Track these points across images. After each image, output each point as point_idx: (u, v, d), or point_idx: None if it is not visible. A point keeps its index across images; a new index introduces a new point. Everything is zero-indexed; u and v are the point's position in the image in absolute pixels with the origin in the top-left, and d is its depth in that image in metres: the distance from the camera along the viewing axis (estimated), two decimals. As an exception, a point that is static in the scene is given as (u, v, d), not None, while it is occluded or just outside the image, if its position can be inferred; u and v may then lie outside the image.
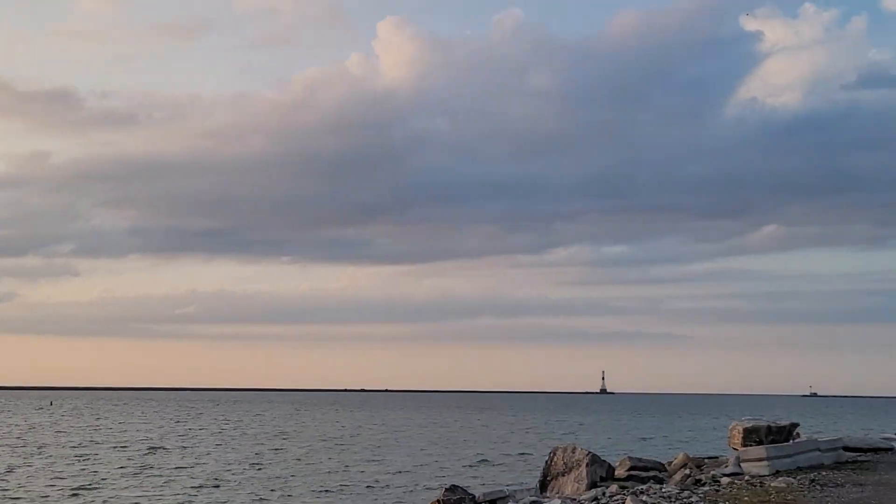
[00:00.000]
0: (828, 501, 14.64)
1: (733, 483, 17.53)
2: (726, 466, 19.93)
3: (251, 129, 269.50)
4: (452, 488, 15.44)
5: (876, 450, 25.66)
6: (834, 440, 23.64)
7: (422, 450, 48.87)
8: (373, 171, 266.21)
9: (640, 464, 20.72)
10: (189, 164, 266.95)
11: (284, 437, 61.50)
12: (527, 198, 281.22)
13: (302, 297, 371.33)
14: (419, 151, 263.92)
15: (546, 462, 19.13)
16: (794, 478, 17.95)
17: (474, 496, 14.92)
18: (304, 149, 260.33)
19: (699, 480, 18.15)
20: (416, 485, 31.37)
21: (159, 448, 48.21)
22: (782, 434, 21.93)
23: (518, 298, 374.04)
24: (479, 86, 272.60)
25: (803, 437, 25.38)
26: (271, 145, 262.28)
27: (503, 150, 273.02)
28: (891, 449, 26.08)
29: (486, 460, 42.06)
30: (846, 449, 24.05)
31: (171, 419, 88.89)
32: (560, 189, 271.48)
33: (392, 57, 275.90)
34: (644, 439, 61.37)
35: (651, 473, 19.86)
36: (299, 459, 41.92)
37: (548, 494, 17.84)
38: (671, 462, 23.15)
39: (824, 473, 18.98)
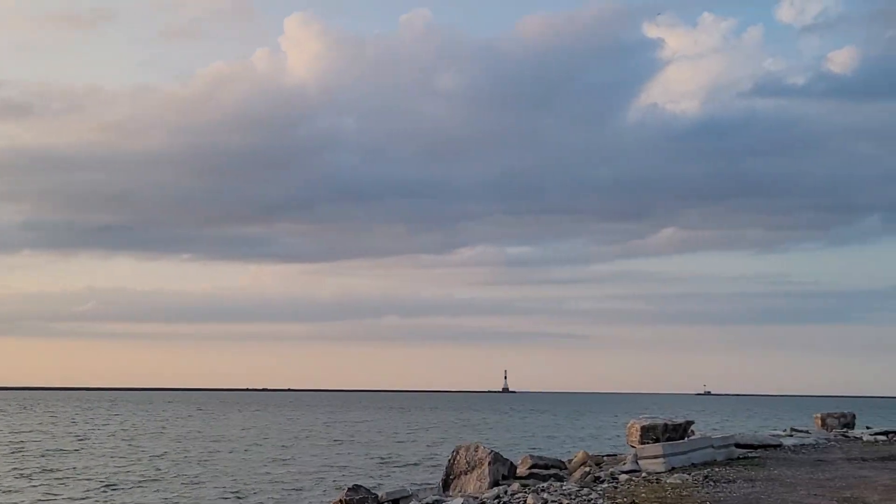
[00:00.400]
0: (720, 497, 15.05)
1: (631, 480, 17.90)
2: (624, 464, 20.37)
3: (152, 122, 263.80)
4: (355, 488, 15.38)
5: (766, 446, 26.60)
6: (726, 437, 24.40)
7: (328, 449, 48.58)
8: (278, 169, 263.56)
9: (542, 462, 21.00)
10: (87, 158, 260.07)
11: (185, 437, 60.36)
12: (433, 198, 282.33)
13: (203, 295, 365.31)
14: (326, 150, 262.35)
15: (449, 461, 19.23)
16: (689, 474, 18.41)
17: (377, 496, 14.89)
18: (207, 145, 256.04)
19: (598, 478, 18.47)
20: (323, 485, 31.16)
21: (56, 450, 46.82)
22: (678, 432, 22.49)
23: (423, 298, 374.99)
24: (388, 85, 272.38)
25: (698, 435, 26.13)
26: (173, 140, 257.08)
27: (411, 150, 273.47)
28: (779, 445, 27.07)
29: (392, 460, 42.01)
30: (738, 446, 24.88)
31: (68, 419, 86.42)
32: (466, 190, 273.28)
33: (299, 54, 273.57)
34: (546, 438, 62.09)
35: (552, 471, 20.14)
36: (203, 462, 41.20)
37: (450, 493, 17.93)
38: (571, 460, 23.56)
39: (717, 470, 19.54)
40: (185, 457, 43.28)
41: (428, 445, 51.96)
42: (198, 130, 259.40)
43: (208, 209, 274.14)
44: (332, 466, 38.59)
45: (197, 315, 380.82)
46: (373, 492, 15.38)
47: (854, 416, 37.49)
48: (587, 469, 20.01)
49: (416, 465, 39.29)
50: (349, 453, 45.82)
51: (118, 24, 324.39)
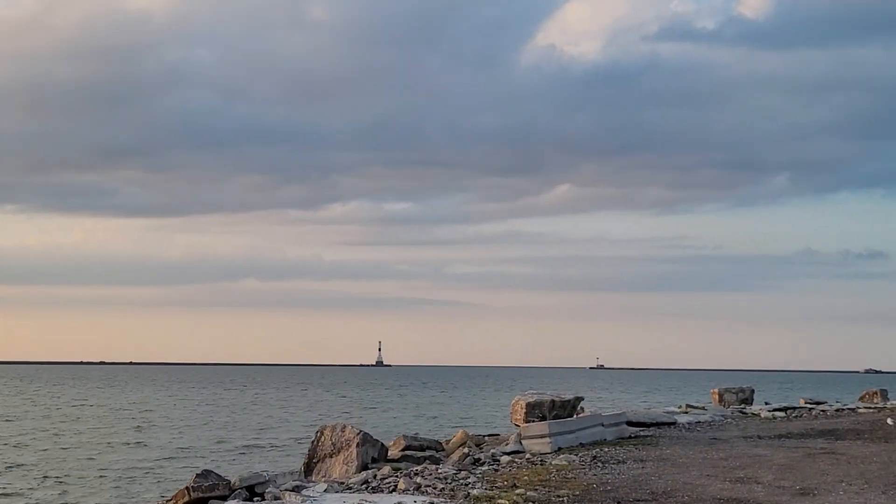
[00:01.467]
0: (607, 479, 15.46)
1: (513, 462, 18.18)
2: (507, 444, 20.65)
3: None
4: (205, 474, 15.20)
5: (659, 424, 27.42)
6: (617, 415, 25.05)
7: (182, 433, 47.92)
8: (119, 108, 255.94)
9: (416, 443, 21.16)
10: None
11: (12, 417, 58.70)
12: (301, 146, 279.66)
13: (30, 252, 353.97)
14: (177, 87, 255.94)
15: (312, 443, 19.20)
16: (576, 455, 18.82)
17: (229, 482, 14.76)
18: (33, 77, 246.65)
19: (478, 460, 18.70)
20: (178, 471, 30.85)
21: None
22: (566, 409, 22.99)
23: (288, 259, 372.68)
24: (250, 14, 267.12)
25: (587, 413, 26.79)
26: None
27: (275, 90, 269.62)
28: (674, 423, 27.96)
29: (253, 444, 41.81)
30: (630, 424, 25.56)
31: None
32: (338, 137, 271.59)
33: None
34: (422, 417, 62.79)
35: (427, 453, 20.31)
36: (46, 449, 40.17)
37: (313, 479, 17.93)
38: (450, 441, 23.78)
39: (606, 450, 20.02)
40: (17, 441, 42.17)
41: (292, 428, 51.93)
42: (23, 60, 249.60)
43: (36, 153, 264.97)
44: (185, 452, 38.20)
45: (22, 275, 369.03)
46: (225, 478, 15.19)
47: (752, 392, 38.98)
48: (466, 450, 20.25)
49: (280, 448, 39.26)
50: (206, 437, 45.40)
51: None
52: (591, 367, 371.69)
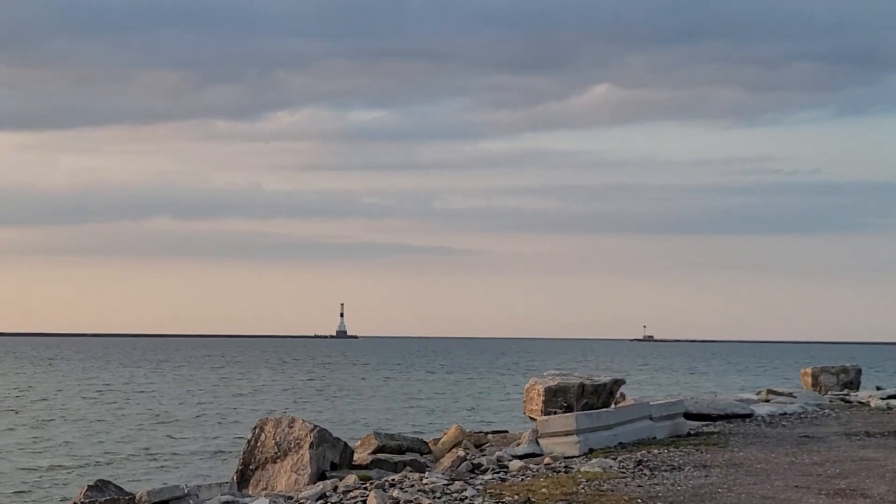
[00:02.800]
0: (658, 491, 15.49)
1: (527, 468, 18.19)
2: (518, 444, 20.67)
3: None
4: (100, 486, 15.30)
5: (729, 416, 27.52)
6: (671, 404, 25.07)
7: (84, 431, 47.94)
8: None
9: (393, 443, 21.23)
10: None
11: None
12: (232, 31, 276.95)
13: None
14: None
15: (248, 443, 19.26)
16: (615, 459, 18.85)
17: (133, 496, 14.81)
18: None
19: (478, 465, 18.74)
20: (76, 482, 31.03)
21: None
22: (601, 396, 23.03)
23: (214, 190, 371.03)
24: None
25: (629, 401, 26.82)
26: None
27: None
28: (750, 415, 28.07)
29: (176, 445, 41.91)
30: (688, 416, 25.63)
31: None
32: (282, 18, 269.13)
33: None
34: (401, 408, 62.81)
35: (408, 457, 20.38)
36: None
37: (250, 492, 17.97)
38: (439, 440, 23.89)
39: (656, 452, 20.06)
40: None
41: (222, 424, 51.98)
42: None
43: None
44: (87, 456, 38.27)
45: None
46: (128, 492, 15.27)
47: (859, 372, 39.11)
48: (462, 453, 20.26)
49: (206, 453, 39.35)
50: (113, 437, 45.68)
51: None
52: (635, 339, 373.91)
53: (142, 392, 77.89)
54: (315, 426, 19.28)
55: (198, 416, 55.50)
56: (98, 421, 52.85)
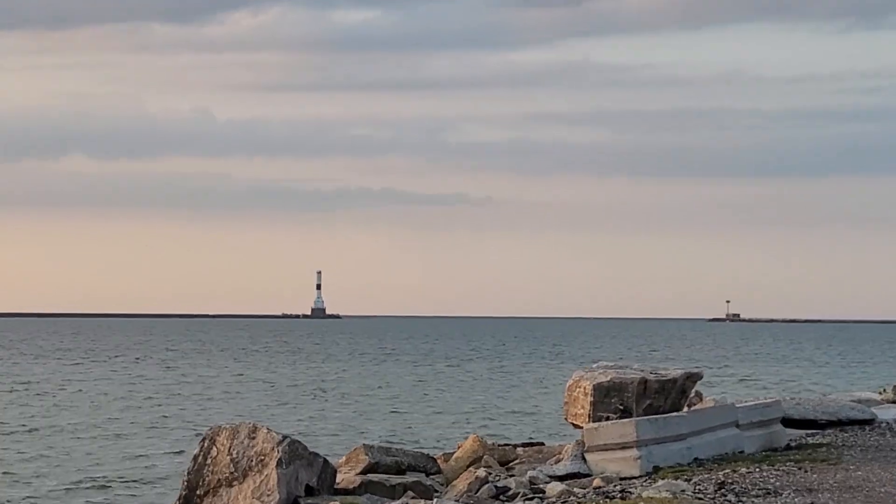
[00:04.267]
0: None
1: (571, 493, 18.40)
2: (558, 461, 20.86)
3: None
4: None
5: (843, 423, 27.60)
6: (765, 407, 25.20)
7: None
8: None
9: (389, 458, 21.36)
10: None
11: None
12: None
13: None
14: None
15: (195, 459, 19.37)
16: (688, 480, 19.03)
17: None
18: None
19: (504, 490, 18.90)
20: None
21: None
22: (669, 395, 23.01)
23: (150, 118, 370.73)
24: None
25: (708, 402, 26.89)
26: None
27: None
28: (870, 421, 28.12)
29: (115, 463, 42.12)
30: (787, 423, 25.75)
31: None
32: None
33: None
34: (402, 410, 62.96)
35: (411, 478, 20.53)
36: None
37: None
38: (451, 454, 24.15)
39: (745, 471, 20.23)
40: None
41: (165, 433, 52.19)
42: None
43: None
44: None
45: None
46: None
47: None
48: (482, 473, 20.42)
49: (141, 475, 39.54)
50: (29, 452, 46.11)
51: None
52: (715, 319, 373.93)
53: (51, 389, 77.97)
54: (284, 437, 19.43)
55: (132, 424, 55.73)
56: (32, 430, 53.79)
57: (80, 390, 78.34)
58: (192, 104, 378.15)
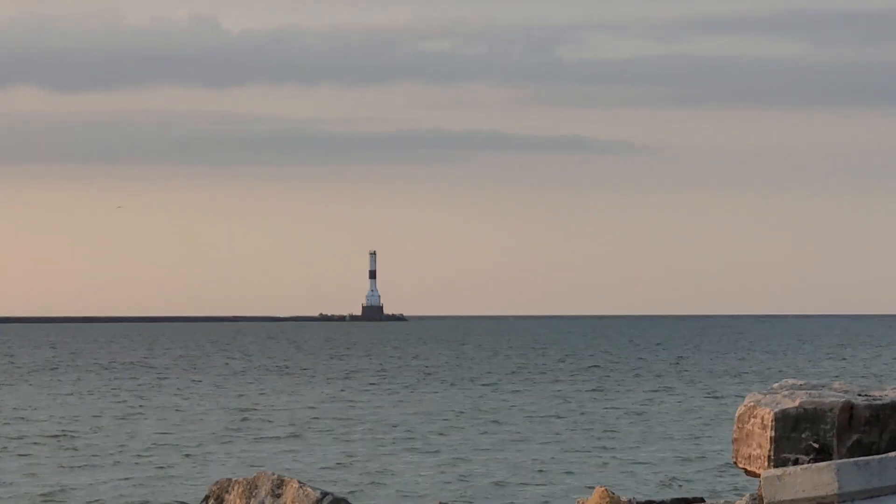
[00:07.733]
0: None
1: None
2: (728, 519, 18.97)
3: None
4: None
5: None
6: None
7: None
8: None
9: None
10: None
11: None
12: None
13: None
14: None
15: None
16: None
17: None
18: None
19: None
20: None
21: None
22: (888, 426, 18.91)
23: (127, 30, 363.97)
24: None
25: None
26: None
27: None
28: None
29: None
30: None
31: None
32: None
33: None
34: (494, 450, 58.71)
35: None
36: None
37: None
38: (571, 513, 18.77)
39: None
40: None
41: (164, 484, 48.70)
42: None
43: None
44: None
45: None
46: None
47: None
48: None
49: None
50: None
51: None
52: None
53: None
54: (325, 493, 17.13)
55: (116, 463, 53.97)
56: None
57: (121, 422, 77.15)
58: (189, 10, 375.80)
